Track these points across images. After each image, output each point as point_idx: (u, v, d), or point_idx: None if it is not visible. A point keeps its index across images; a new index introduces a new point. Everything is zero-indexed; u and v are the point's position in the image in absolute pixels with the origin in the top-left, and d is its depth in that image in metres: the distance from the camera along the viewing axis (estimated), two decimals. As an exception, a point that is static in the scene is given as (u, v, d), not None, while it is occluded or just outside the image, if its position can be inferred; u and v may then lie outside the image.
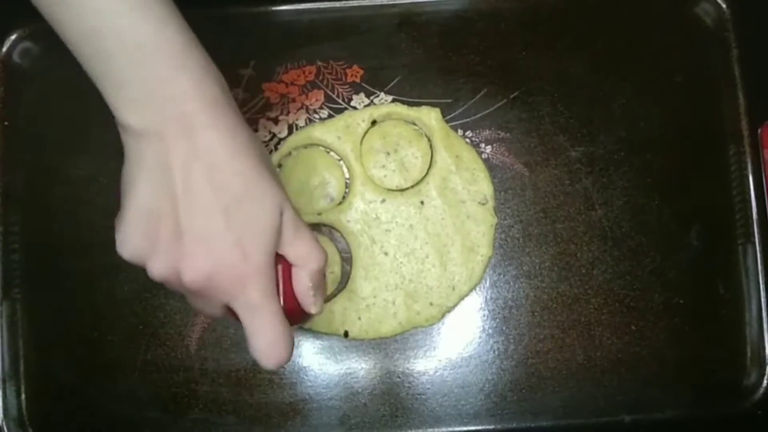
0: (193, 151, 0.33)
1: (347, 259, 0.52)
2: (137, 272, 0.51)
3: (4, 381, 0.51)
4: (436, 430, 0.51)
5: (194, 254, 0.34)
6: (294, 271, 0.37)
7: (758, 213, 0.52)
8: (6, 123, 0.53)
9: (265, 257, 0.35)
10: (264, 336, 0.35)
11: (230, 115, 0.35)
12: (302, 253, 0.37)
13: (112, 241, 0.52)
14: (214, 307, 0.36)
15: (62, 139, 0.53)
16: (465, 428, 0.51)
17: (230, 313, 0.37)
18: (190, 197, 0.33)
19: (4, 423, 0.51)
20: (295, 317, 0.38)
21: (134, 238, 0.34)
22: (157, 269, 0.34)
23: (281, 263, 0.37)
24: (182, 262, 0.34)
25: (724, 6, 0.54)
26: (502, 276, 0.52)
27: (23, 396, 0.52)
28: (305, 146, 0.53)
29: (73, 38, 0.34)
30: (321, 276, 0.38)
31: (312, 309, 0.38)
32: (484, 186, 0.52)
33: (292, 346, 0.36)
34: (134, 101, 0.33)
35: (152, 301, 0.52)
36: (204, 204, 0.33)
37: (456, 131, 0.53)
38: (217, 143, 0.34)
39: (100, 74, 0.34)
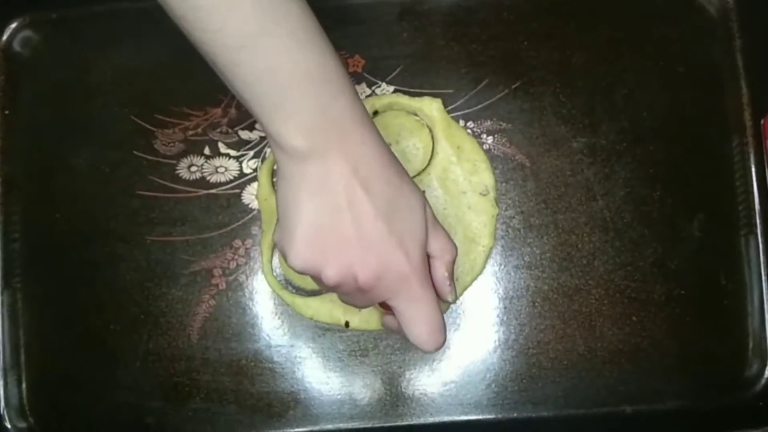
0: (352, 167, 0.36)
1: None
2: (138, 261, 0.52)
3: (4, 370, 0.51)
4: (437, 419, 0.51)
5: (365, 258, 0.37)
6: (431, 262, 0.41)
7: (761, 204, 0.52)
8: (6, 112, 0.53)
9: (422, 253, 0.39)
10: (426, 324, 0.39)
11: (374, 130, 0.38)
12: (440, 246, 0.40)
13: (114, 231, 0.52)
14: (370, 302, 0.40)
15: (63, 129, 0.53)
16: (466, 418, 0.51)
17: (380, 304, 0.41)
18: (354, 209, 0.36)
19: (5, 412, 0.51)
20: None
21: (306, 251, 0.37)
22: (332, 275, 0.37)
23: None
24: (356, 267, 0.37)
25: (727, -4, 0.54)
26: (503, 267, 0.52)
27: (24, 385, 0.52)
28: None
29: (247, 78, 0.35)
30: (453, 266, 0.42)
31: (449, 297, 0.42)
32: (485, 177, 0.52)
33: (446, 330, 0.40)
34: (303, 127, 0.36)
35: (154, 291, 0.52)
36: (367, 213, 0.37)
37: (458, 122, 0.53)
38: (369, 157, 0.37)
39: (270, 107, 0.36)
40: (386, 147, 0.39)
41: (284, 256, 0.38)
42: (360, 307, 0.42)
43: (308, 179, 0.36)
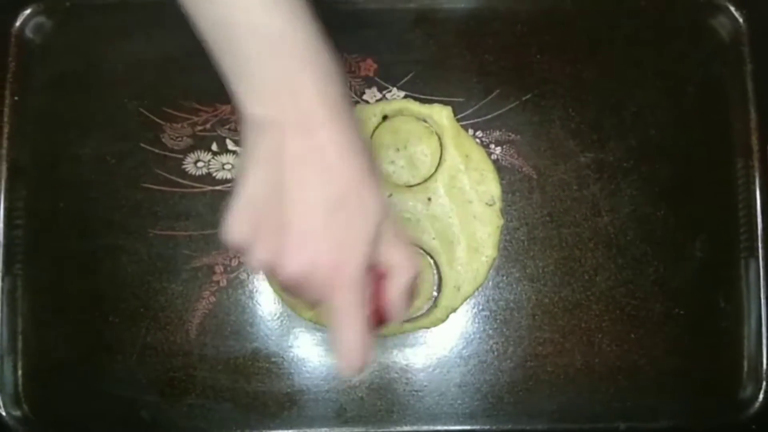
0: (307, 148, 0.33)
1: None
2: (140, 254, 0.52)
3: (1, 357, 0.51)
4: (431, 427, 0.51)
5: (293, 250, 0.34)
6: (389, 278, 0.37)
7: (763, 227, 0.52)
8: (16, 98, 0.53)
9: (358, 268, 0.35)
10: (343, 343, 0.35)
11: (346, 117, 0.35)
12: (398, 261, 0.36)
13: (117, 222, 0.52)
14: (309, 298, 0.37)
15: (72, 117, 0.53)
16: (460, 427, 0.51)
17: None
18: (296, 192, 0.33)
19: (-1, 399, 0.51)
20: (380, 322, 0.37)
21: (240, 225, 0.34)
22: (258, 258, 0.34)
23: (373, 270, 0.36)
24: (282, 255, 0.34)
25: (740, 20, 0.54)
26: (505, 278, 0.52)
27: (20, 372, 0.51)
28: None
29: (207, 29, 0.34)
30: (408, 287, 0.37)
31: (398, 316, 0.38)
32: (492, 187, 0.52)
33: (369, 355, 0.35)
34: (259, 93, 0.34)
35: (154, 285, 0.52)
36: (308, 200, 0.33)
37: (467, 131, 0.53)
38: (329, 143, 0.34)
39: (229, 64, 0.34)
40: (359, 141, 0.35)
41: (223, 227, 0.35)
42: (307, 301, 0.38)
43: (259, 150, 0.34)
